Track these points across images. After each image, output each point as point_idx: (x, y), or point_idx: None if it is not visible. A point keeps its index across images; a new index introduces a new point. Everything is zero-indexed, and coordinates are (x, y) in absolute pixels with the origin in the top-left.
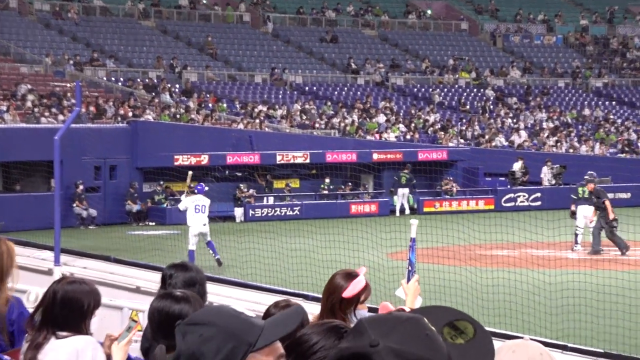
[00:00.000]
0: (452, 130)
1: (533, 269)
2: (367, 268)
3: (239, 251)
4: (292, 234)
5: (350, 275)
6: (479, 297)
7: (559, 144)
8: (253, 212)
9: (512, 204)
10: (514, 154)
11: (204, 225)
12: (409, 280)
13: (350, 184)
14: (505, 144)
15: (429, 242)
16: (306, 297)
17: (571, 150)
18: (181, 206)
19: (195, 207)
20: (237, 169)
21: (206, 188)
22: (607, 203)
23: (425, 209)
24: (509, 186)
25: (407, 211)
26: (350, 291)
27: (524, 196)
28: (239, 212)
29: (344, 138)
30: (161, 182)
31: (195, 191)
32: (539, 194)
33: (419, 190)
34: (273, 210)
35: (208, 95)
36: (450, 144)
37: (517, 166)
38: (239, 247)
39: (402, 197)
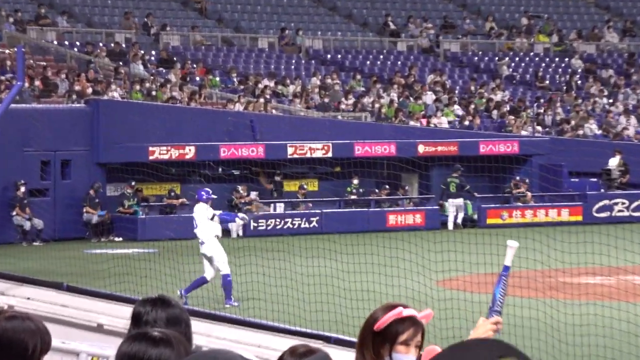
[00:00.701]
0: (526, 113)
1: (636, 303)
2: (431, 311)
3: (237, 277)
4: (309, 253)
5: (392, 308)
6: (562, 340)
7: None
8: (255, 224)
9: (607, 213)
10: (611, 146)
11: (200, 244)
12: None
13: (387, 186)
14: (599, 132)
15: (495, 266)
16: (327, 340)
17: None
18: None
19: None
20: (234, 166)
21: (205, 195)
22: None
23: (489, 221)
24: (602, 190)
25: (460, 221)
26: (382, 322)
27: (623, 204)
28: (235, 223)
29: (378, 124)
30: (132, 183)
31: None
32: None
33: (480, 195)
34: (282, 222)
35: (195, 66)
36: (524, 133)
37: (614, 162)
38: (237, 272)
39: (454, 209)
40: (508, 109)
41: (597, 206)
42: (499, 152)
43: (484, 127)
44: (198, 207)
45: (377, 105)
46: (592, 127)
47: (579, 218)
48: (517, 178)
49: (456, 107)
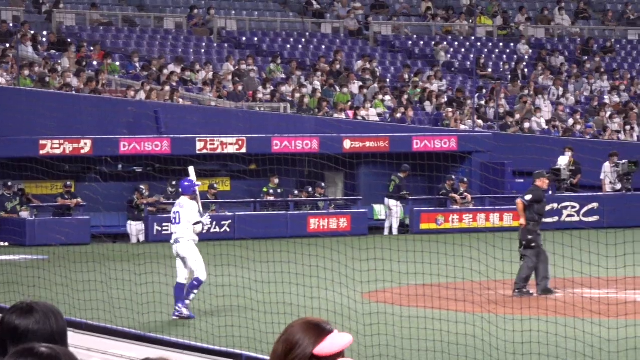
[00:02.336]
0: (466, 106)
1: (584, 318)
2: (350, 339)
3: (137, 287)
4: (219, 261)
5: (320, 328)
6: (500, 359)
7: (628, 128)
8: (159, 228)
9: (556, 219)
10: (560, 143)
11: (173, 242)
12: None
13: (309, 187)
14: (547, 127)
15: (427, 276)
16: (238, 358)
17: None
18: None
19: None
20: (136, 162)
21: (197, 184)
22: None
23: (423, 226)
24: (550, 192)
25: (395, 228)
26: (326, 348)
27: (573, 208)
28: (136, 227)
29: (299, 116)
30: (9, 183)
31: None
32: (596, 205)
33: (414, 198)
34: None
35: (92, 49)
36: (463, 127)
37: (563, 161)
38: (137, 282)
39: (389, 210)
40: (446, 100)
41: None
42: (435, 148)
43: (418, 120)
44: (186, 201)
45: (298, 95)
46: (539, 122)
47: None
48: (453, 177)
49: (387, 97)
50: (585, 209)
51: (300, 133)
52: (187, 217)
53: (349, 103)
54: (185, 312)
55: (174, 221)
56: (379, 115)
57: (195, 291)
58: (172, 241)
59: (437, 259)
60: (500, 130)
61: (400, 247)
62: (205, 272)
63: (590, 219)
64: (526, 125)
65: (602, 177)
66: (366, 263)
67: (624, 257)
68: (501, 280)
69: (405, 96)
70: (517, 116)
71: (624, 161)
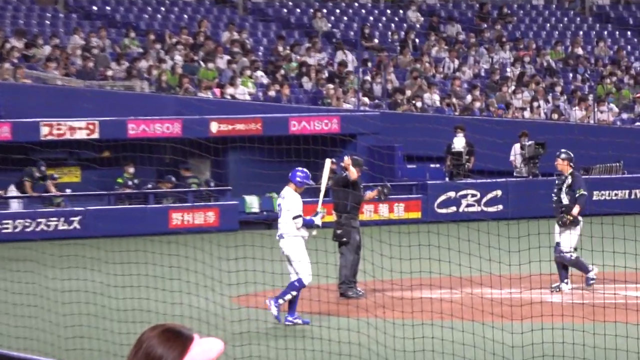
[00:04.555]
0: (350, 81)
1: (485, 322)
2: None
3: None
4: (66, 263)
5: (182, 336)
6: None
7: (535, 105)
8: None
9: (453, 209)
10: (455, 122)
11: (277, 238)
12: None
13: (171, 176)
14: (441, 105)
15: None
16: None
17: (555, 116)
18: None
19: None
20: None
21: (310, 182)
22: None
23: None
24: (447, 179)
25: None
26: (197, 358)
27: (473, 196)
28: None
29: (159, 96)
30: None
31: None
32: (499, 192)
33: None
34: (26, 224)
35: None
36: (346, 106)
37: (460, 143)
38: None
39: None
40: (326, 75)
41: (440, 199)
42: (315, 130)
43: (295, 99)
44: (289, 192)
45: (156, 72)
46: (433, 98)
47: (417, 215)
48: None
49: (259, 73)
50: (487, 197)
51: (159, 115)
52: (291, 205)
53: (216, 80)
54: (298, 320)
55: (279, 214)
56: (250, 94)
57: (294, 292)
58: (276, 237)
59: (316, 258)
60: (388, 109)
61: (275, 244)
62: (310, 274)
63: (493, 209)
64: (418, 103)
65: (512, 158)
66: (236, 263)
67: (529, 251)
68: (389, 280)
69: (281, 72)
70: (408, 93)
71: (529, 142)
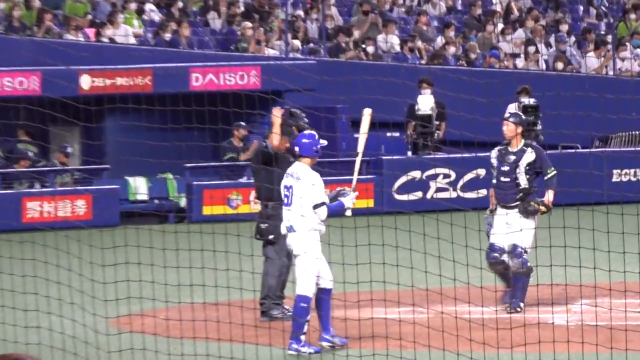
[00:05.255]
0: (275, 17)
1: (459, 353)
2: None
3: None
4: None
5: None
6: None
7: (531, 50)
8: None
9: (418, 195)
10: (420, 75)
11: (285, 231)
12: None
13: (28, 151)
14: (401, 51)
15: (211, 291)
16: None
17: (559, 66)
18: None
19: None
20: None
21: (324, 142)
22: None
23: (208, 210)
24: (410, 153)
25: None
26: None
27: (446, 177)
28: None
29: (9, 38)
30: None
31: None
32: (480, 172)
33: (191, 166)
34: None
35: None
36: (270, 52)
37: (427, 103)
38: None
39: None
40: (242, 10)
41: (400, 182)
42: (226, 86)
43: (198, 43)
44: (304, 169)
45: (5, 5)
46: (390, 42)
47: (368, 203)
48: (243, 124)
49: (149, 7)
50: (465, 178)
51: (10, 66)
52: (305, 194)
53: (88, 17)
54: (310, 349)
55: (285, 200)
56: (136, 35)
57: (308, 317)
58: (283, 229)
59: (227, 262)
60: (329, 56)
61: (169, 244)
62: (331, 279)
63: (472, 195)
64: (369, 48)
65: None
66: (116, 271)
67: None
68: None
69: (178, 4)
70: (356, 34)
71: (523, 101)
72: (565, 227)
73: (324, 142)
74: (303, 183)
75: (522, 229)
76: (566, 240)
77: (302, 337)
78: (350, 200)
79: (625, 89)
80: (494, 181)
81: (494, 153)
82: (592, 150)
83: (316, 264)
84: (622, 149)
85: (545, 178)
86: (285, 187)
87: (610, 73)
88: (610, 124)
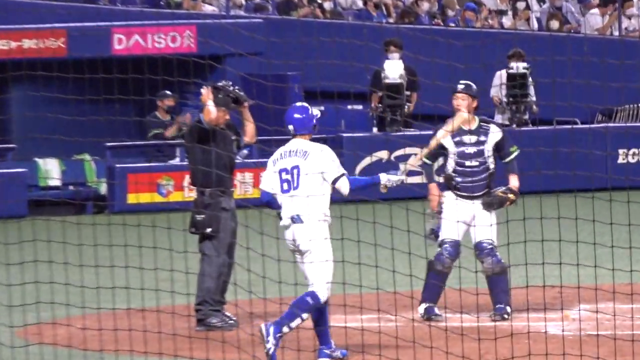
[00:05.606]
0: None
1: None
2: None
3: None
4: None
5: None
6: None
7: (521, 5)
8: None
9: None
10: (388, 36)
11: (288, 223)
12: None
13: None
14: (364, 7)
15: (135, 295)
16: None
17: (555, 25)
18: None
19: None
20: None
21: (317, 113)
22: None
23: (133, 199)
24: (375, 129)
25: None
26: None
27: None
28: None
29: None
30: None
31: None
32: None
33: (112, 145)
34: None
35: None
36: (208, 9)
37: (395, 69)
38: None
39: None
40: None
41: (363, 164)
42: (154, 50)
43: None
44: (311, 146)
45: None
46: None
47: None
48: (169, 93)
49: None
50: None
51: None
52: (318, 171)
53: None
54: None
55: (286, 186)
56: None
57: (304, 315)
58: (284, 221)
59: (155, 261)
60: (277, 13)
61: (86, 239)
62: (326, 285)
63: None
64: (327, 4)
65: (492, 93)
66: (22, 271)
67: (509, 248)
68: (277, 298)
69: None
70: None
71: (512, 66)
72: (561, 217)
73: (318, 113)
74: (315, 158)
75: (491, 224)
76: (561, 234)
77: (286, 330)
78: (386, 176)
79: (632, 52)
80: (449, 170)
81: (443, 134)
82: (592, 126)
83: (331, 260)
84: (628, 125)
85: (507, 160)
86: (285, 170)
87: (615, 34)
88: (614, 94)
